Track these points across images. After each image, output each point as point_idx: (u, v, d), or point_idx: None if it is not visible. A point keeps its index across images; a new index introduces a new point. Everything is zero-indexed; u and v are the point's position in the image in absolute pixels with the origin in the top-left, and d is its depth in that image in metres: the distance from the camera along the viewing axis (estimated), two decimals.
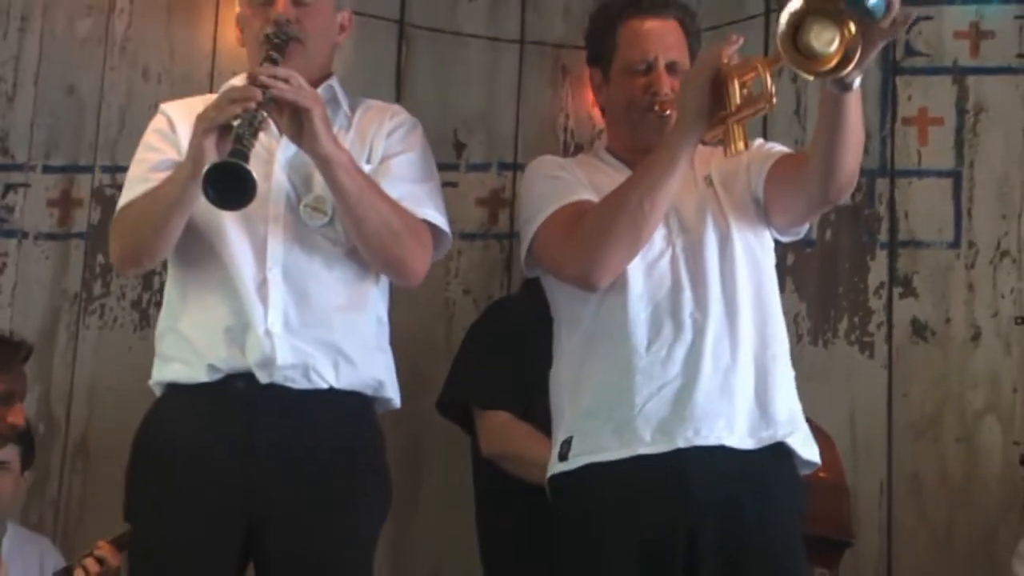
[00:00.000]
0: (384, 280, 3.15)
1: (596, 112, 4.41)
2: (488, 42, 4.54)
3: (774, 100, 2.73)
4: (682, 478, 2.82)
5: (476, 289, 4.41)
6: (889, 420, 4.18)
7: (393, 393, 3.15)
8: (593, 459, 2.88)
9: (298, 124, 2.90)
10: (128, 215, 3.07)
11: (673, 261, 2.94)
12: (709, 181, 3.02)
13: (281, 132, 2.98)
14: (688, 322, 2.89)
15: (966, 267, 4.26)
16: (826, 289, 4.27)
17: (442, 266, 4.37)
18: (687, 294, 2.90)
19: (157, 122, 3.18)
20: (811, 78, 2.61)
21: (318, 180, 3.01)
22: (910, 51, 4.39)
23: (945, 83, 4.37)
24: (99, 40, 4.65)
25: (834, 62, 2.56)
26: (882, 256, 4.29)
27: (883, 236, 4.30)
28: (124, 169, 4.40)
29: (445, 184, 4.34)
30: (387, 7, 4.54)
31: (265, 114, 2.85)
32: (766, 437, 2.87)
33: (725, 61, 2.77)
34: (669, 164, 2.84)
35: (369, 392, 3.09)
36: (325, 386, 3.01)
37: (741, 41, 2.81)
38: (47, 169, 4.58)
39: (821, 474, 3.22)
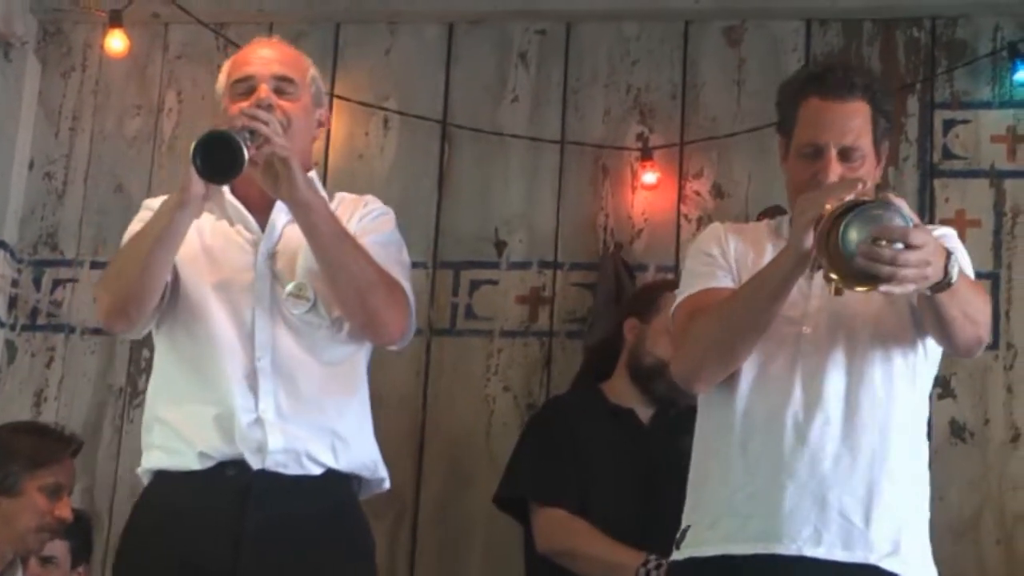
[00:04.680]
0: (365, 364, 3.18)
1: (635, 212, 4.48)
2: (529, 142, 4.60)
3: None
4: None
5: (516, 386, 4.43)
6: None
7: (385, 472, 3.16)
8: (694, 553, 2.84)
9: (274, 174, 2.93)
10: (112, 264, 3.12)
11: (792, 358, 2.82)
12: None
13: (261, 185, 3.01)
14: (788, 424, 2.78)
15: (1004, 369, 4.26)
16: None
17: (482, 363, 4.42)
18: (796, 395, 2.79)
19: (141, 216, 3.18)
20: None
21: (299, 268, 3.05)
22: (948, 154, 4.42)
23: (982, 186, 4.39)
24: (148, 139, 4.75)
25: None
26: None
27: None
28: None
29: (485, 282, 4.48)
30: (430, 107, 4.62)
31: (248, 137, 2.84)
32: (860, 556, 2.74)
33: (828, 208, 2.61)
34: (768, 295, 2.74)
35: (366, 474, 3.11)
36: (319, 470, 3.02)
37: (863, 187, 2.67)
38: (95, 265, 4.65)
39: None
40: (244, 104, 3.06)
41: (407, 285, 3.11)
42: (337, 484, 3.06)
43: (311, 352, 3.06)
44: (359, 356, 3.15)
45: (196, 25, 4.68)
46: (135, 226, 3.14)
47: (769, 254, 2.89)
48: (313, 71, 3.24)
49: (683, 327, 2.89)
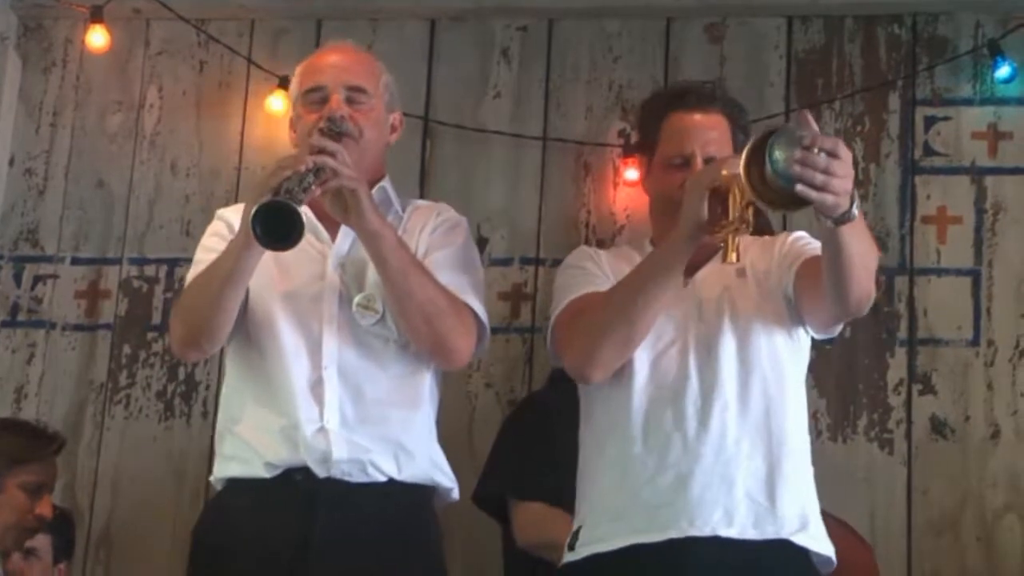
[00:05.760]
0: (435, 376, 3.18)
1: (617, 208, 4.47)
2: (511, 139, 4.59)
3: (749, 222, 2.73)
4: (677, 569, 2.82)
5: (498, 383, 4.43)
6: (909, 518, 4.18)
7: (452, 483, 3.17)
8: (596, 549, 2.90)
9: (343, 202, 2.95)
10: (185, 296, 3.13)
11: (683, 351, 2.94)
12: (742, 272, 3.01)
13: (329, 212, 3.03)
14: (690, 411, 2.88)
15: (985, 365, 4.27)
16: (846, 386, 4.28)
17: None
18: (692, 384, 2.90)
19: (215, 227, 3.21)
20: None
21: (369, 279, 3.06)
22: (929, 151, 4.43)
23: (963, 183, 4.40)
24: (129, 135, 4.73)
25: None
26: (901, 353, 4.30)
27: (902, 333, 4.32)
28: (151, 261, 4.57)
29: None
30: (412, 103, 4.59)
31: (314, 179, 2.86)
32: (770, 532, 2.85)
33: (724, 173, 2.77)
34: (663, 269, 2.87)
35: (429, 484, 3.12)
36: (383, 479, 3.03)
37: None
38: (76, 261, 4.64)
39: None
40: (316, 117, 3.09)
41: (477, 303, 3.12)
42: (406, 488, 3.07)
43: (378, 363, 3.08)
44: (427, 369, 3.15)
45: (177, 21, 4.67)
46: (208, 240, 3.17)
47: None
48: (386, 77, 3.25)
49: (571, 325, 2.98)
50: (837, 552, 2.98)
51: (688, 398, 2.90)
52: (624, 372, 2.94)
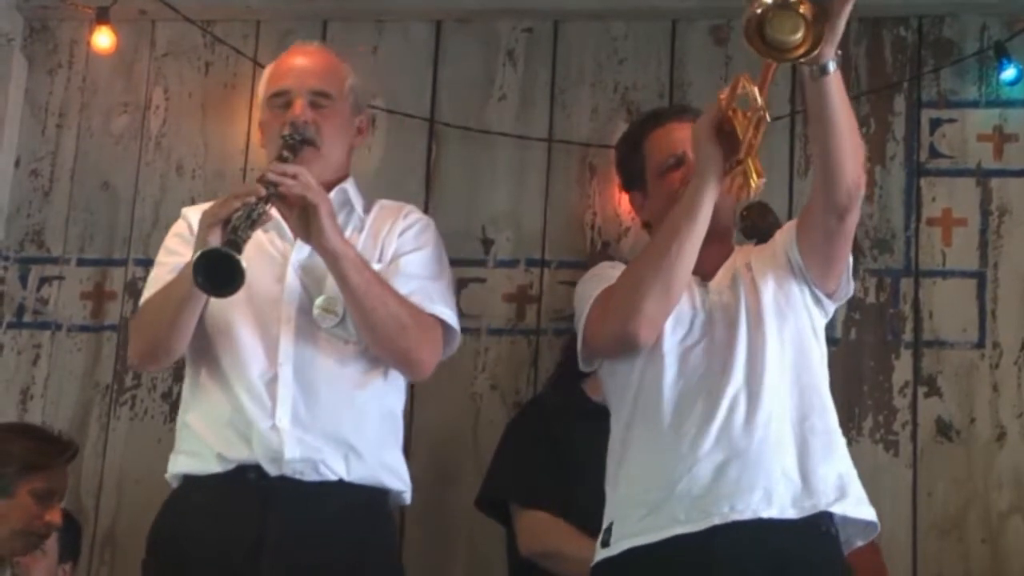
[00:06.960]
0: (398, 376, 3.18)
1: (623, 210, 4.47)
2: (516, 140, 4.59)
3: (766, 110, 2.77)
4: (717, 557, 2.83)
5: (503, 384, 4.43)
6: (914, 520, 4.18)
7: (404, 487, 3.17)
8: (633, 543, 2.89)
9: (306, 220, 2.96)
10: (143, 313, 3.16)
11: (709, 344, 2.98)
12: (748, 267, 3.06)
13: (291, 229, 3.07)
14: (719, 400, 2.91)
15: (991, 367, 4.27)
16: (851, 387, 4.28)
17: (469, 361, 4.41)
18: (718, 374, 2.94)
19: (178, 227, 3.24)
20: (789, 63, 2.67)
21: (330, 282, 3.06)
22: (934, 153, 4.43)
23: (969, 185, 4.40)
24: (134, 136, 4.74)
25: (805, 47, 2.59)
26: (907, 355, 4.30)
27: (908, 335, 4.32)
28: None
29: (472, 280, 4.47)
30: (418, 106, 4.61)
31: (265, 208, 2.89)
32: (808, 507, 2.86)
33: (722, 97, 2.85)
34: (692, 210, 2.89)
35: (378, 486, 3.12)
36: (335, 478, 3.04)
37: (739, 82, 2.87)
38: (81, 262, 4.65)
39: None
40: (280, 122, 3.13)
41: (446, 309, 3.14)
42: (356, 489, 3.07)
43: (336, 365, 3.09)
44: (385, 372, 3.15)
45: (183, 22, 4.68)
46: (169, 240, 3.22)
47: None
48: (351, 80, 3.27)
49: (603, 307, 2.99)
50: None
51: (717, 388, 2.92)
52: (654, 367, 2.97)
